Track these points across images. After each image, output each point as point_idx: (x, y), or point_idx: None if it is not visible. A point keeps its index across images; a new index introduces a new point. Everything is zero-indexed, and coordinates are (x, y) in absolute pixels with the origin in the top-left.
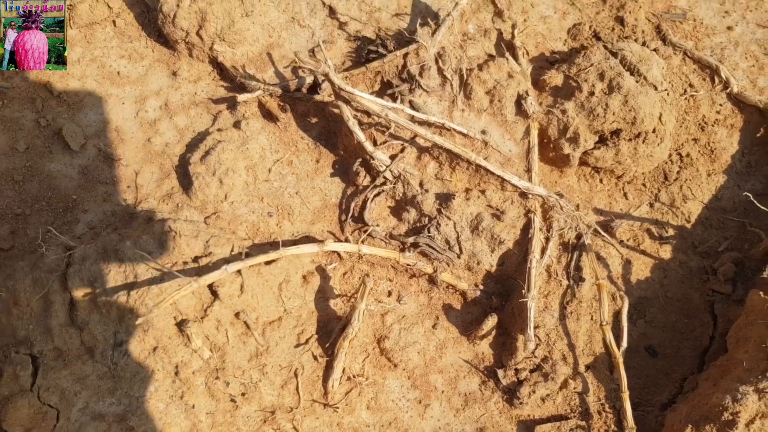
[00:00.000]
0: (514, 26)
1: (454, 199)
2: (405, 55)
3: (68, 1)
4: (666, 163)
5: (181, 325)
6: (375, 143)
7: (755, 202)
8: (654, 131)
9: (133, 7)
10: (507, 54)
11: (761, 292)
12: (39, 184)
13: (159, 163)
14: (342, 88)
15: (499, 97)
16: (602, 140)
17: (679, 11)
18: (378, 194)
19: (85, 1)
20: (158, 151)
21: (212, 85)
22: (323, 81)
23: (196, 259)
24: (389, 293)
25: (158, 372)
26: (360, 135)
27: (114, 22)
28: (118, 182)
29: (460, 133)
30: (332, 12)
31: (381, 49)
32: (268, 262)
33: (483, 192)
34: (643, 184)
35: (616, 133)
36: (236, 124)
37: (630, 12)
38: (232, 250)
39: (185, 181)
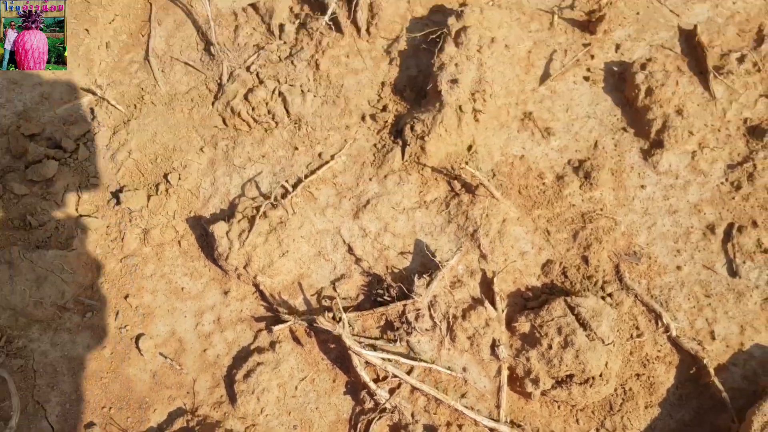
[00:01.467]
0: (494, 273)
1: (437, 431)
2: (404, 305)
3: (144, 226)
4: (612, 395)
5: None
6: (377, 378)
7: None
8: (601, 375)
9: (194, 229)
10: (486, 303)
11: None
12: (120, 384)
13: (212, 372)
14: (351, 347)
15: (477, 342)
16: (558, 382)
17: (637, 250)
18: (379, 418)
19: (157, 226)
20: (211, 361)
21: (255, 303)
22: (340, 320)
23: None
24: None
25: None
26: (365, 377)
27: (179, 242)
28: (179, 387)
29: (445, 371)
30: (350, 249)
31: (386, 296)
32: None
33: (460, 427)
34: (593, 412)
35: (570, 376)
36: (272, 345)
37: (594, 253)
38: None
39: (231, 392)
